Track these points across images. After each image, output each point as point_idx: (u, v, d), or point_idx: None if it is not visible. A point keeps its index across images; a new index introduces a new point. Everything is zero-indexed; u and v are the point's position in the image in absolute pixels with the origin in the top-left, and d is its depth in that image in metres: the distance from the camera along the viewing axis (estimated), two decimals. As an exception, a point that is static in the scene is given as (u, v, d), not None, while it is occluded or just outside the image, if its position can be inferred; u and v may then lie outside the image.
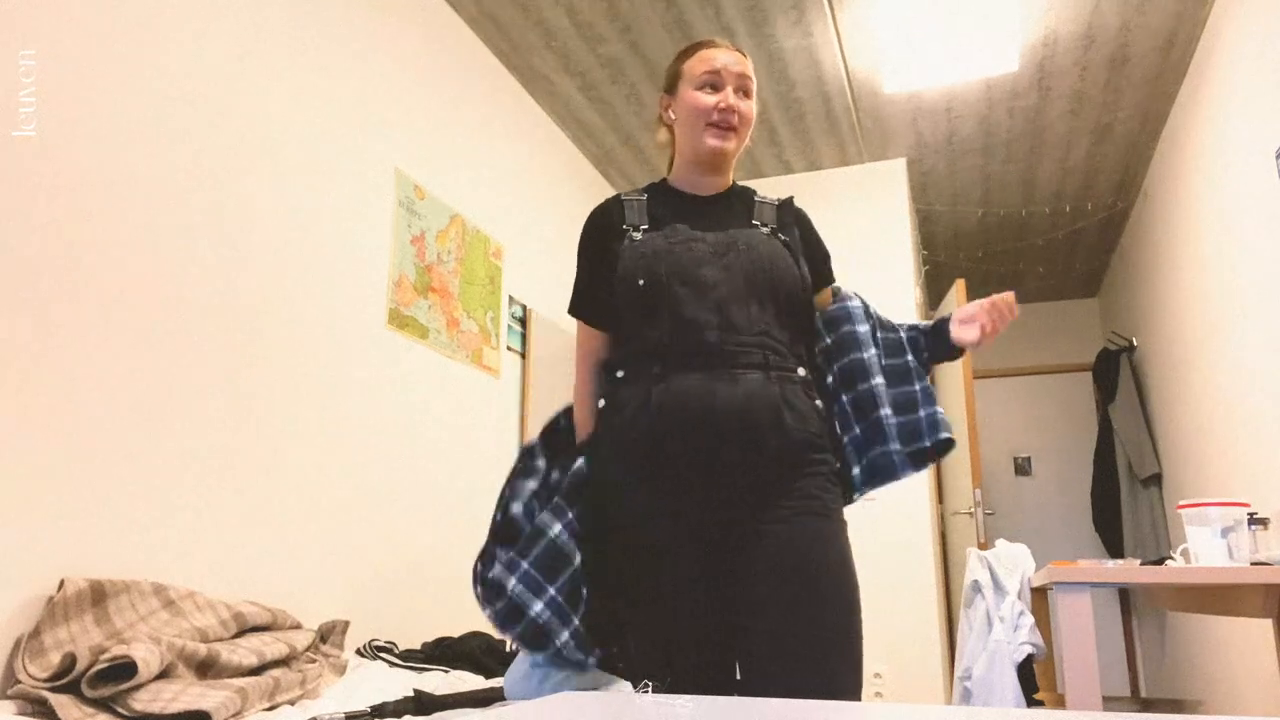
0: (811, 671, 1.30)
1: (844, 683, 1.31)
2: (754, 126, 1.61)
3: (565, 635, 1.42)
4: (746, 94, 1.53)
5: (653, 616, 1.40)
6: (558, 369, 3.92)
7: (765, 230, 1.51)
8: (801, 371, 1.47)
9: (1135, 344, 5.09)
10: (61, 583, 1.64)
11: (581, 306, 1.58)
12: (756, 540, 1.38)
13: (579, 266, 1.61)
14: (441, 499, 2.98)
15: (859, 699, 1.36)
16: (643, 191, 1.60)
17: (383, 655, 2.28)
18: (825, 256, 1.62)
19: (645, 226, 1.52)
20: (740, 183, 1.64)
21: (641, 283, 1.44)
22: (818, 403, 1.48)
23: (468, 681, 2.08)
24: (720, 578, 1.40)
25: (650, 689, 1.34)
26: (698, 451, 1.38)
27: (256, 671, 1.74)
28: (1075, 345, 6.27)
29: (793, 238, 1.54)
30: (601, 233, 1.57)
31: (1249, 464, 3.22)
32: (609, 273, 1.51)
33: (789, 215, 1.58)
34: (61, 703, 1.45)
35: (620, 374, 1.48)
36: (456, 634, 2.70)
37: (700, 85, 1.52)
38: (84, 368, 1.79)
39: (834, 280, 1.64)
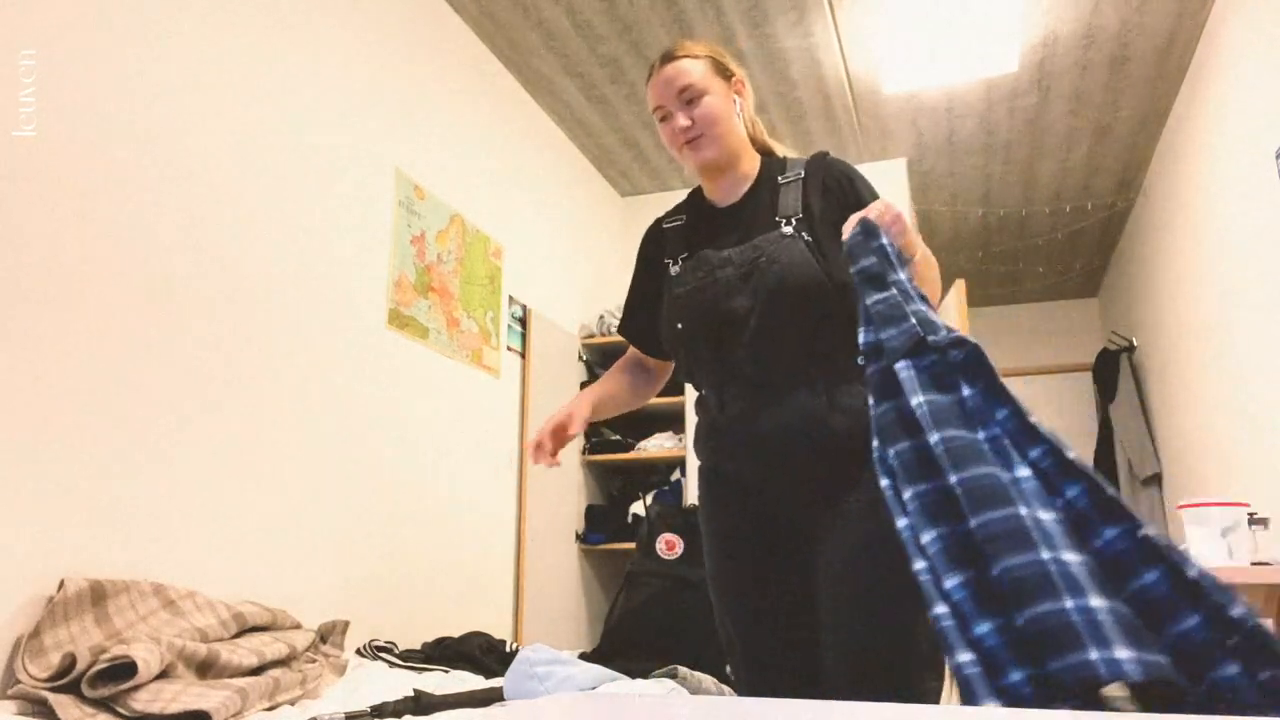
0: (878, 672, 1.31)
1: (913, 678, 1.32)
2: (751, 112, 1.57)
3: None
4: (693, 101, 1.46)
5: (727, 607, 1.48)
6: (558, 369, 3.91)
7: (788, 228, 1.45)
8: (859, 361, 1.35)
9: (1135, 344, 5.09)
10: (61, 583, 1.64)
11: (624, 329, 1.70)
12: (823, 536, 1.41)
13: (629, 287, 1.68)
14: (442, 499, 2.98)
15: (936, 700, 1.34)
16: (681, 210, 1.62)
17: (383, 655, 2.28)
18: (858, 207, 1.40)
19: (684, 255, 1.54)
20: (770, 156, 1.56)
21: (679, 326, 1.49)
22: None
23: (468, 681, 2.08)
24: (788, 575, 1.44)
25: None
26: (748, 475, 1.47)
27: (256, 671, 1.74)
28: (1075, 345, 6.27)
29: (815, 223, 1.45)
30: (645, 262, 1.65)
31: (1249, 464, 3.22)
32: (653, 302, 1.59)
33: (813, 190, 1.48)
34: (61, 703, 1.45)
35: (699, 394, 1.57)
36: (456, 634, 2.70)
37: (659, 120, 1.52)
38: (83, 368, 1.79)
39: None
